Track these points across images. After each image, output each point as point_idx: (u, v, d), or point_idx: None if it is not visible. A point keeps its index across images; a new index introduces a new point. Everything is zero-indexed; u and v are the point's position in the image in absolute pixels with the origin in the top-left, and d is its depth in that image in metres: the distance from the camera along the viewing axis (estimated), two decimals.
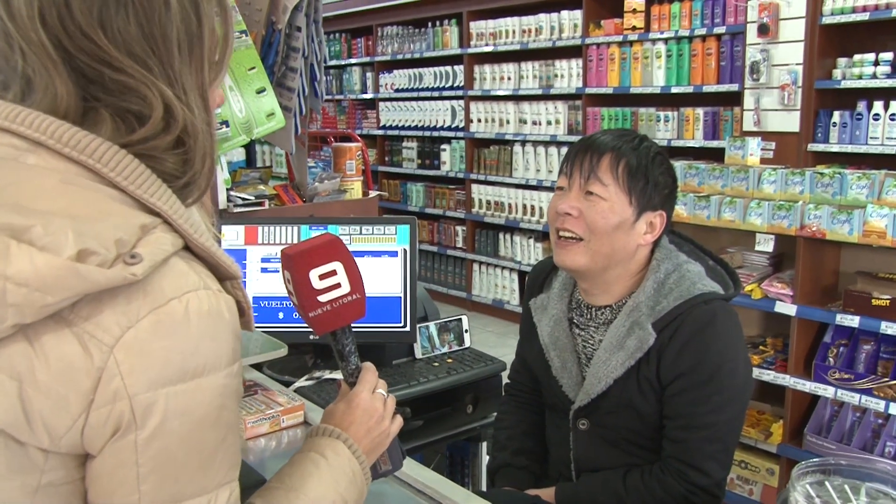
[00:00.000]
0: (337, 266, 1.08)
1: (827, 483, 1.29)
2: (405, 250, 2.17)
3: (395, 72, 7.35)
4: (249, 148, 3.64)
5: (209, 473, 0.83)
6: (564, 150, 5.85)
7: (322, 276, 1.07)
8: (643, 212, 1.69)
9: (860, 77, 4.18)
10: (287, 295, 1.14)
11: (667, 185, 1.72)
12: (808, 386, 3.13)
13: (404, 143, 7.44)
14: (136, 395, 0.76)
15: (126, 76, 0.82)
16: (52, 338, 0.75)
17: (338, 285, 1.08)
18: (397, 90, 7.34)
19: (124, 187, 0.81)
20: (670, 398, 1.66)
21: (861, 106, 4.25)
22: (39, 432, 0.76)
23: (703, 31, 4.97)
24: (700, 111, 5.10)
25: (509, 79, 6.32)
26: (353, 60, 7.93)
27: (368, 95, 7.75)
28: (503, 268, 6.51)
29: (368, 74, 7.81)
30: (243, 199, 2.76)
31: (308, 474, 1.03)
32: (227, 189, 2.79)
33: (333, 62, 8.09)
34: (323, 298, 1.08)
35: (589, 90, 5.68)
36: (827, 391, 3.07)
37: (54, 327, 0.75)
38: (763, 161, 3.49)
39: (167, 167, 0.85)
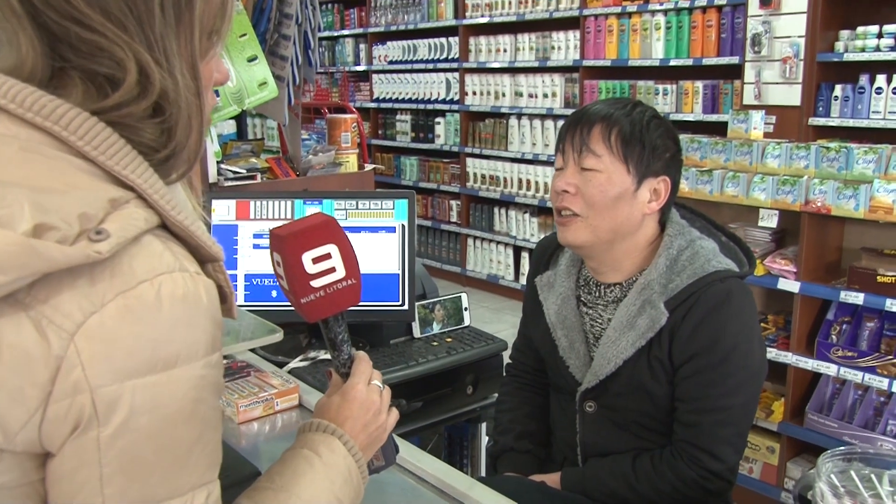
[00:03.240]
0: (332, 249, 1.00)
1: (851, 471, 1.22)
2: (403, 226, 2.09)
3: (389, 43, 7.22)
4: (240, 120, 3.55)
5: (183, 474, 0.75)
6: (561, 123, 5.77)
7: (315, 260, 0.99)
8: (644, 179, 1.62)
9: (863, 50, 4.09)
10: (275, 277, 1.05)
11: (667, 148, 1.64)
12: (810, 364, 3.08)
13: (398, 116, 7.33)
14: (98, 388, 0.68)
15: (97, 35, 0.74)
16: (6, 323, 0.67)
17: (332, 269, 1.00)
18: (391, 62, 7.22)
19: (94, 157, 0.73)
20: (683, 380, 1.60)
21: (863, 79, 4.16)
22: None
23: (703, 3, 4.87)
24: (699, 84, 5.01)
25: (505, 51, 6.21)
26: (345, 32, 7.79)
27: (361, 67, 7.63)
28: (498, 242, 6.44)
29: (362, 46, 7.68)
30: (234, 172, 2.67)
31: (301, 473, 0.94)
32: (218, 162, 2.70)
33: (326, 33, 7.96)
34: (316, 284, 1.00)
35: (586, 63, 5.58)
36: (829, 369, 3.02)
37: (7, 311, 0.67)
38: (764, 135, 3.41)
39: (145, 137, 0.77)
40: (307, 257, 0.99)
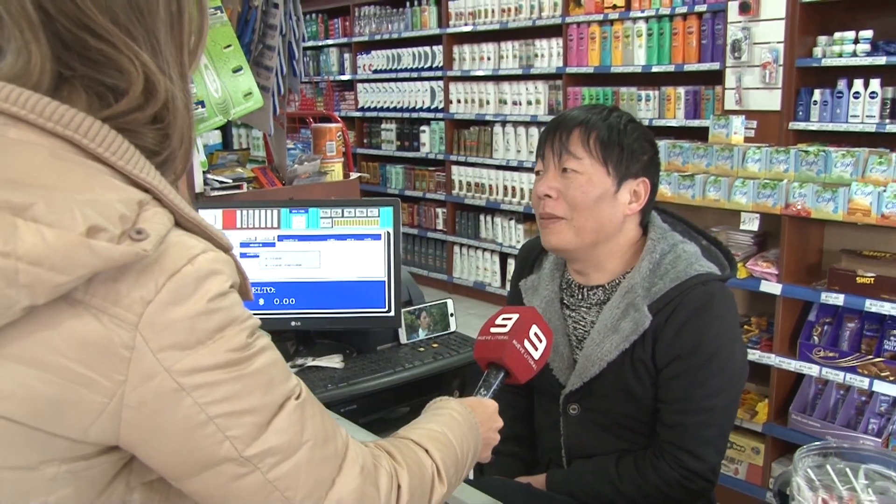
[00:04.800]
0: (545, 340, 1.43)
1: (828, 466, 1.26)
2: (388, 233, 2.11)
3: (374, 52, 7.26)
4: (226, 130, 3.56)
5: (274, 388, 0.83)
6: None
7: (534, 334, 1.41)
8: (623, 180, 1.65)
9: (840, 55, 4.15)
10: None
11: (644, 150, 1.68)
12: (792, 365, 3.12)
13: (383, 125, 7.35)
14: (172, 367, 0.76)
15: (107, 45, 0.78)
16: (72, 320, 0.73)
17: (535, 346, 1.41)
18: (375, 71, 7.25)
19: (112, 162, 0.77)
20: (666, 381, 1.63)
21: (841, 84, 4.23)
22: (66, 421, 0.74)
23: (683, 10, 4.92)
24: (681, 90, 5.07)
25: (489, 59, 6.25)
26: (329, 41, 7.82)
27: (346, 77, 7.65)
28: (484, 250, 6.46)
29: (346, 55, 7.70)
30: (221, 182, 2.69)
31: (442, 418, 1.12)
32: (204, 172, 2.71)
33: (310, 43, 7.98)
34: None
35: (569, 70, 5.63)
36: (812, 370, 3.06)
37: (70, 310, 0.73)
38: (745, 140, 3.46)
39: (146, 142, 0.82)
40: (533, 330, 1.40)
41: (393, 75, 7.05)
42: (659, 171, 1.74)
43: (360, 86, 7.42)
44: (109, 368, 0.74)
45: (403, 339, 2.26)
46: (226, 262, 0.81)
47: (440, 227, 6.88)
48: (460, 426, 1.13)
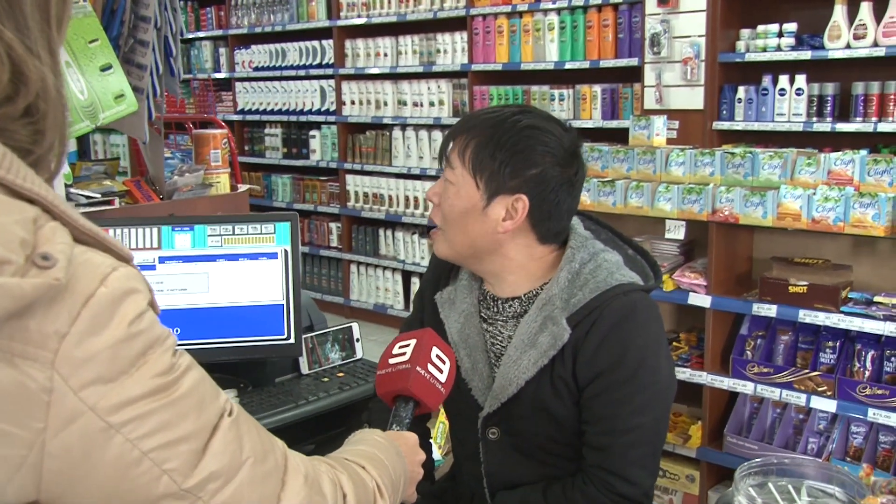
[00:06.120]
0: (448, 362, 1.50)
1: (770, 484, 1.35)
2: (286, 251, 2.13)
3: (254, 47, 7.23)
4: (81, 137, 3.48)
5: (205, 409, 0.85)
6: None
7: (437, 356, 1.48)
8: (495, 196, 1.67)
9: (765, 49, 4.37)
10: None
11: (534, 163, 1.67)
12: (725, 382, 3.27)
13: (267, 130, 7.32)
14: (97, 404, 0.75)
15: None
16: None
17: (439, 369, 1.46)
18: (256, 68, 7.22)
19: None
20: (589, 400, 1.69)
21: (766, 80, 4.46)
22: None
23: (598, 1, 5.10)
24: (597, 88, 5.24)
25: (386, 55, 6.32)
26: (201, 34, 7.74)
27: (222, 75, 7.59)
28: (385, 268, 6.51)
29: (221, 50, 7.65)
30: (87, 197, 2.65)
31: (373, 442, 1.18)
32: (67, 185, 2.67)
33: None
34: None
35: (475, 67, 5.75)
36: (746, 387, 3.22)
37: None
38: (667, 142, 3.61)
39: (18, 140, 0.77)
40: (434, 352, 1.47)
41: (277, 73, 7.04)
42: (564, 186, 1.71)
43: (238, 85, 7.38)
44: (26, 417, 0.73)
45: (305, 368, 2.27)
46: (137, 276, 0.81)
47: (334, 243, 6.89)
48: (388, 450, 1.18)
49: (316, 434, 2.13)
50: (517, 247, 1.74)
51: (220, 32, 7.58)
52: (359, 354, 2.39)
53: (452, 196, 1.70)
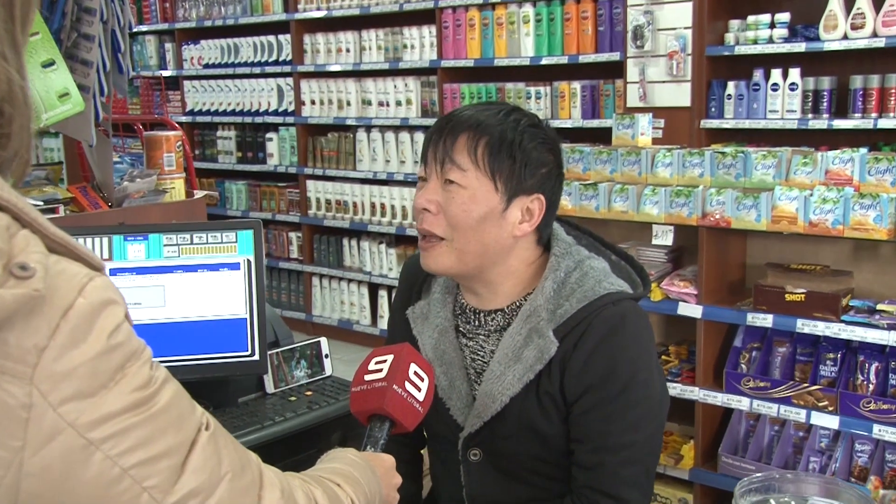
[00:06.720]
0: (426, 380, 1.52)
1: (772, 501, 1.38)
2: (249, 261, 2.14)
3: (203, 42, 7.22)
4: None
5: (184, 423, 0.88)
6: (419, 135, 5.94)
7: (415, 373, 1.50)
8: (514, 197, 1.70)
9: (755, 42, 4.43)
10: None
11: (543, 162, 1.73)
12: (719, 398, 3.30)
13: (219, 132, 7.31)
14: (77, 420, 0.77)
15: None
16: None
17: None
18: (207, 66, 7.21)
19: None
20: (578, 417, 1.71)
21: (758, 75, 4.52)
22: None
23: None
24: (577, 85, 5.29)
25: (348, 51, 6.34)
26: (144, 28, 7.71)
27: (169, 72, 7.57)
28: (350, 280, 6.51)
29: (167, 46, 7.63)
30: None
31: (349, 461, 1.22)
32: None
33: None
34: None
35: (445, 63, 5.78)
36: (741, 403, 3.25)
37: None
38: (653, 141, 3.65)
39: None
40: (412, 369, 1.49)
41: (230, 71, 7.04)
42: (562, 185, 1.81)
43: (187, 84, 7.36)
44: (4, 435, 0.75)
45: (270, 387, 2.28)
46: (112, 286, 0.83)
47: (295, 255, 6.88)
48: (364, 469, 1.22)
49: (284, 457, 2.13)
50: (520, 252, 1.77)
51: (165, 26, 7.57)
52: (328, 371, 2.40)
53: (466, 201, 1.67)
